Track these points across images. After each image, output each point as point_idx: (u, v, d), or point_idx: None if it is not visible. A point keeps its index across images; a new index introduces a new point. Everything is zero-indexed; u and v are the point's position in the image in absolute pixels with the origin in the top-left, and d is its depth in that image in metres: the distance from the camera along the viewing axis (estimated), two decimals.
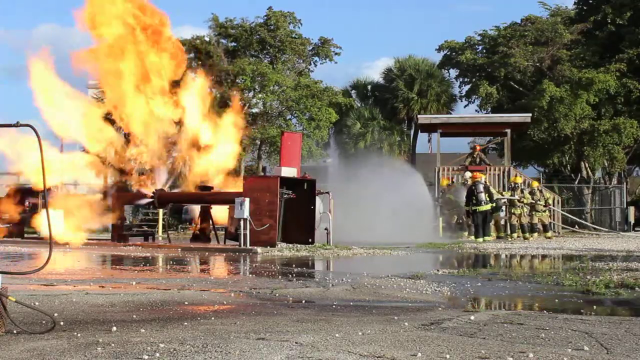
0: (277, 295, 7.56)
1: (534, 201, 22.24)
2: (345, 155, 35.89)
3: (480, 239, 20.36)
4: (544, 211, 22.63)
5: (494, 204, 21.18)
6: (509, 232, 21.97)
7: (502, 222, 22.64)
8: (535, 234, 22.00)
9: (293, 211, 16.94)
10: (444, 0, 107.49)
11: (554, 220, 25.33)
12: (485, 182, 22.02)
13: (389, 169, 24.66)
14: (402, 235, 19.13)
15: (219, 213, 18.53)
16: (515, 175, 24.06)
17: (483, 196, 20.87)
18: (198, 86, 20.01)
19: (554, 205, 25.28)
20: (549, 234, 22.44)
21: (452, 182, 24.17)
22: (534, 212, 22.19)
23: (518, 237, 21.75)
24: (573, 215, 28.18)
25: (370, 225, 20.05)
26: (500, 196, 22.10)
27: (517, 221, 22.05)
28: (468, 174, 23.27)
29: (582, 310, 6.74)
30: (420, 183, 24.91)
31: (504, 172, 25.22)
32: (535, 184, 23.65)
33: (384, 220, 20.51)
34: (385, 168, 24.55)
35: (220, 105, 30.75)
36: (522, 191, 22.30)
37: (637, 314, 6.75)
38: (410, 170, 26.75)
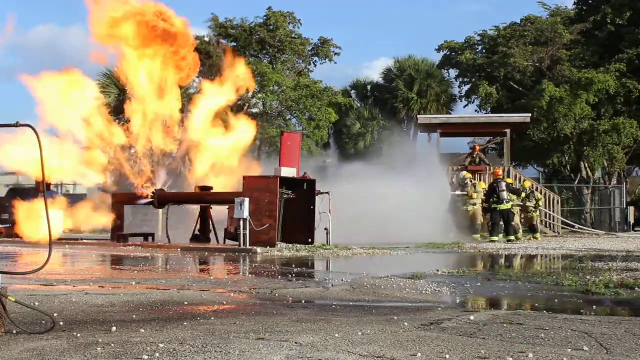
0: (277, 295, 7.56)
1: (522, 203, 22.12)
2: (345, 155, 35.88)
3: (495, 238, 20.24)
4: (535, 211, 22.47)
5: (514, 203, 21.13)
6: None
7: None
8: (520, 234, 21.75)
9: (293, 211, 16.94)
10: (444, 0, 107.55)
11: (553, 220, 25.32)
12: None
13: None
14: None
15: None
16: (502, 176, 23.95)
17: (505, 195, 20.76)
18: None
19: (553, 206, 25.26)
20: (537, 235, 22.29)
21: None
22: (524, 214, 21.97)
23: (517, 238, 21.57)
24: (573, 215, 28.18)
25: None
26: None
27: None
28: (463, 174, 23.17)
29: (582, 310, 6.74)
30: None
31: (503, 172, 25.20)
32: (528, 184, 23.42)
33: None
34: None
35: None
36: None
37: (637, 314, 6.76)
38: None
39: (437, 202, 21.48)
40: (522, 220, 22.20)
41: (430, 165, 23.50)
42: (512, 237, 20.50)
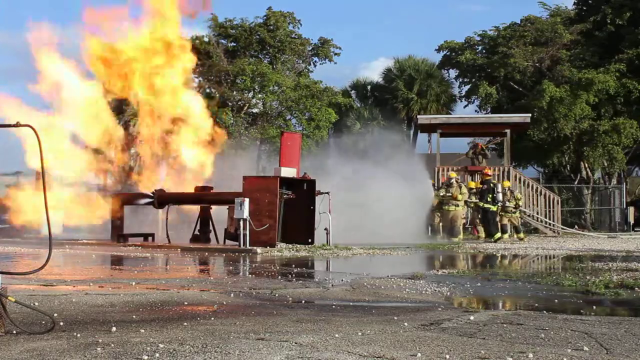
0: (276, 295, 7.56)
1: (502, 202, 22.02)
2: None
3: (498, 235, 20.36)
4: (514, 212, 22.39)
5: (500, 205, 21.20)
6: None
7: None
8: (506, 235, 21.59)
9: (293, 211, 16.93)
10: (444, 0, 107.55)
11: (553, 220, 25.32)
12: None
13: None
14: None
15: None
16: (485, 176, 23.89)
17: (501, 196, 20.81)
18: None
19: (553, 206, 25.25)
20: (522, 235, 22.20)
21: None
22: (502, 213, 21.73)
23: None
24: (573, 216, 28.16)
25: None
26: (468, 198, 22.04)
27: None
28: (449, 174, 23.09)
29: (581, 311, 6.74)
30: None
31: (503, 172, 25.21)
32: (507, 184, 23.31)
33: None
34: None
35: (221, 105, 30.79)
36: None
37: (637, 314, 6.76)
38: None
39: (416, 200, 21.45)
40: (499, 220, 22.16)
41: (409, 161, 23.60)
42: (497, 236, 20.59)
